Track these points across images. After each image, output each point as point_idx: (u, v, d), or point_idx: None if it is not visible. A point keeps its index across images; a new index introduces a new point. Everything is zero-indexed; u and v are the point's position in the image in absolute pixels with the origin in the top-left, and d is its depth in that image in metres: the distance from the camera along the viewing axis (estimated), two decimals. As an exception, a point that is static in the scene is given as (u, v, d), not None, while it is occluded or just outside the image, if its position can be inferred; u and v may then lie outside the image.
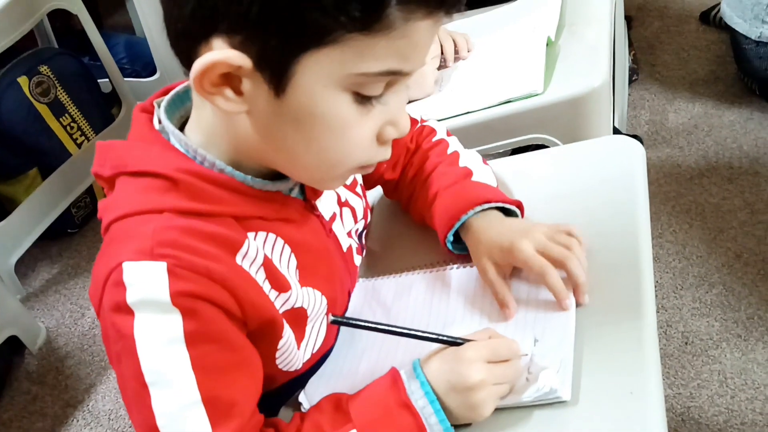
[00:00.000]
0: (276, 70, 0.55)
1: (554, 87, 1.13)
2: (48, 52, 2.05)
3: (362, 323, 0.67)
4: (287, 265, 0.67)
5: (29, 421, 1.62)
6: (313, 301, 0.69)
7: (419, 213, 0.84)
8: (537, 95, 1.11)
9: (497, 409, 0.64)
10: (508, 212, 0.79)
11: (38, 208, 1.94)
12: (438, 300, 0.78)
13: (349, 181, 0.81)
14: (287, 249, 0.67)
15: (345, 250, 0.77)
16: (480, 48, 1.31)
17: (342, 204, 0.78)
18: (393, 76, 0.58)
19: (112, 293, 0.56)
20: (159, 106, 0.66)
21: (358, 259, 0.80)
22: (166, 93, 0.68)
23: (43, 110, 1.95)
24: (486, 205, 0.76)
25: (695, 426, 1.25)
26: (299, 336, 0.68)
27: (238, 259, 0.61)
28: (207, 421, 0.55)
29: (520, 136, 1.14)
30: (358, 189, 0.84)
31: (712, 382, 1.31)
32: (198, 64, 0.55)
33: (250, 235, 0.63)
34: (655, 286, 0.70)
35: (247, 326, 0.61)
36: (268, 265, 0.64)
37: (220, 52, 0.54)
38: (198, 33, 0.56)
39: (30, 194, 1.93)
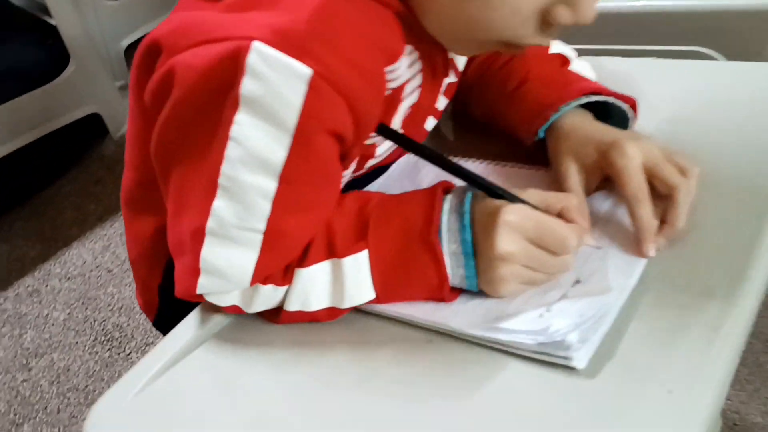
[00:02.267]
0: None
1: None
2: None
3: (409, 141, 0.57)
4: (406, 104, 0.59)
5: (84, 200, 1.65)
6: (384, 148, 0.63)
7: (490, 102, 0.71)
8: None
9: (494, 361, 0.50)
10: (605, 119, 0.65)
11: (164, -1, 1.91)
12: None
13: None
14: (417, 92, 0.58)
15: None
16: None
17: None
18: None
19: (222, 63, 0.46)
20: None
21: (431, 122, 0.71)
22: None
23: None
24: (592, 97, 0.63)
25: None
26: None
27: (388, 73, 0.52)
28: (259, 247, 0.51)
29: (680, 44, 0.93)
30: None
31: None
32: None
33: (407, 49, 0.54)
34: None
35: (343, 149, 0.54)
36: (395, 94, 0.55)
37: None
38: None
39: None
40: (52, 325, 1.37)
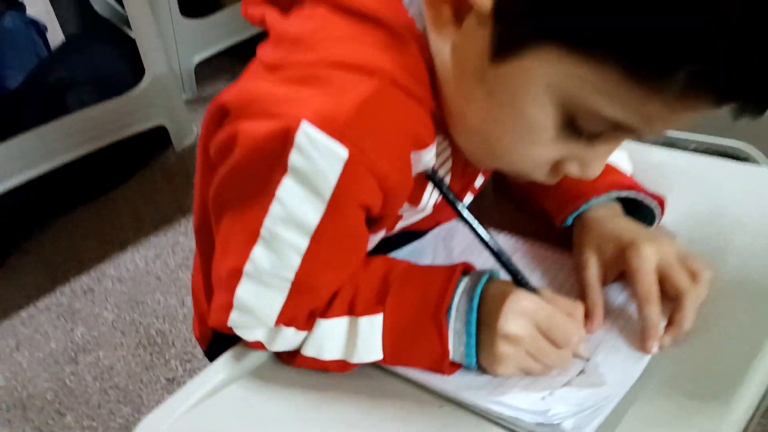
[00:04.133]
0: (511, 35, 0.47)
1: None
2: None
3: (450, 196, 0.61)
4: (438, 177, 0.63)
5: (143, 207, 1.74)
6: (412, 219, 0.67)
7: (525, 184, 0.74)
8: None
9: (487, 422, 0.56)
10: (638, 209, 0.69)
11: (239, 20, 1.97)
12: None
13: None
14: (448, 165, 0.62)
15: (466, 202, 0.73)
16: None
17: None
18: (621, 130, 0.49)
19: (275, 138, 0.52)
20: None
21: (468, 198, 0.75)
22: None
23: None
24: (622, 193, 0.67)
25: None
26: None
27: (414, 156, 0.56)
28: (286, 292, 0.56)
29: (723, 137, 0.98)
30: None
31: None
32: None
33: (438, 138, 0.58)
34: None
35: (370, 217, 0.59)
36: (420, 178, 0.59)
37: None
38: None
39: (238, 2, 1.99)
40: (102, 324, 1.46)
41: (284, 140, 0.51)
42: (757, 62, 0.41)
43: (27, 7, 1.87)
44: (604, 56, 0.43)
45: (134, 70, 1.71)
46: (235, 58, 2.06)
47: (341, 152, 0.50)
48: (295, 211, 0.53)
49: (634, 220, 0.67)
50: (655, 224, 0.69)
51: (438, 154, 0.60)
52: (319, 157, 0.50)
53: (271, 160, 0.52)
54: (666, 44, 0.41)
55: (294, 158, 0.51)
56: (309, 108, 0.50)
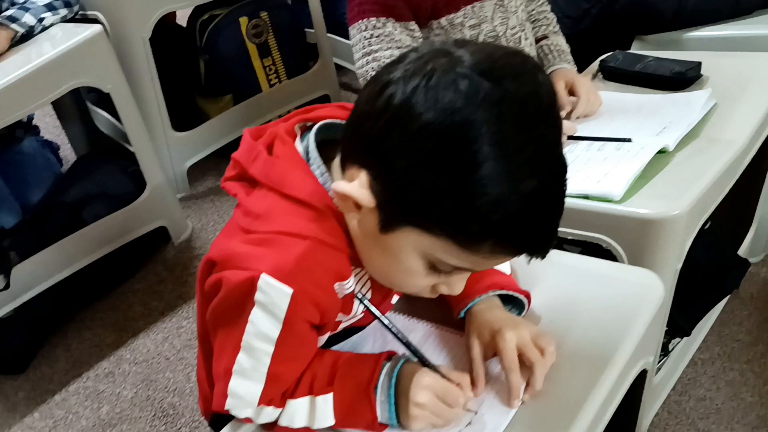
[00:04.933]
0: (389, 221, 0.69)
1: (636, 199, 1.11)
2: (271, 1, 2.33)
3: (377, 314, 0.82)
4: (362, 296, 0.82)
5: (149, 298, 1.94)
6: (347, 322, 0.86)
7: None
8: (613, 201, 1.10)
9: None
10: (514, 299, 0.89)
11: (222, 128, 2.27)
12: (428, 350, 0.89)
13: None
14: (368, 284, 0.82)
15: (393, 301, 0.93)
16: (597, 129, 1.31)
17: None
18: (463, 269, 0.72)
19: (245, 284, 0.71)
20: (302, 132, 0.80)
21: (395, 299, 0.95)
22: (304, 119, 0.81)
23: (252, 49, 2.27)
24: (498, 292, 0.87)
25: None
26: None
27: (336, 286, 0.75)
28: (263, 382, 0.75)
29: (590, 231, 1.14)
30: None
31: None
32: (341, 187, 0.69)
33: (355, 270, 0.77)
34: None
35: (315, 326, 0.78)
36: (350, 295, 0.79)
37: (359, 191, 0.68)
38: (359, 157, 0.69)
39: (220, 114, 2.27)
40: (123, 401, 1.64)
41: (251, 285, 0.70)
42: (528, 239, 0.69)
43: (41, 130, 2.10)
44: (440, 235, 0.66)
45: (136, 181, 1.93)
46: (219, 157, 2.30)
47: (287, 291, 0.70)
48: (262, 329, 0.72)
49: (507, 309, 0.86)
50: (525, 311, 0.89)
51: (359, 279, 0.80)
52: (274, 294, 0.70)
53: (243, 298, 0.71)
54: (472, 232, 0.65)
55: (258, 296, 0.70)
56: (266, 263, 0.70)
